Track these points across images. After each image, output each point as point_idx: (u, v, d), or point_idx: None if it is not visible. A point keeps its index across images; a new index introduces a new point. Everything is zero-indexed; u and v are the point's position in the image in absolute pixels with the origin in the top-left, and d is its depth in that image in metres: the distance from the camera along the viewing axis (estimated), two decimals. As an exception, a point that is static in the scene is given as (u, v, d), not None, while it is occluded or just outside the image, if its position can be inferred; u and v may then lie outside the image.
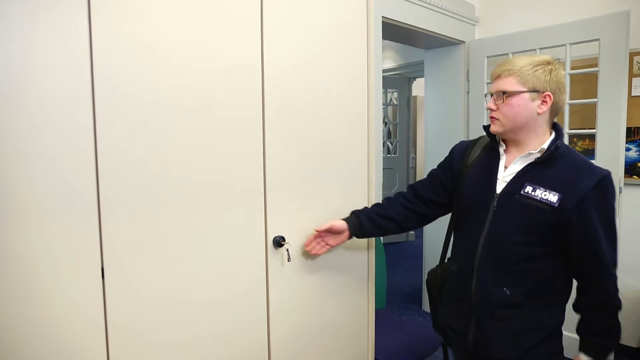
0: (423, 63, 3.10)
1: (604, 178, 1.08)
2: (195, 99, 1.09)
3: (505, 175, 1.19)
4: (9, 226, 0.87)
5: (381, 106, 2.37)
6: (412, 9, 2.41)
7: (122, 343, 1.02)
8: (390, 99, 5.09)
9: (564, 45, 2.34)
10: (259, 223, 1.24)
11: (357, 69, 1.45)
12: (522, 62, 1.13)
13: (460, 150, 1.33)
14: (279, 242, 1.25)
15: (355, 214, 1.37)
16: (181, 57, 1.06)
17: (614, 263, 1.10)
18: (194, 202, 1.11)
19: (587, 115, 2.38)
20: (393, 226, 1.37)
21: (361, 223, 1.35)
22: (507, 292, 1.16)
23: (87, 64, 0.93)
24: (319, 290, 1.41)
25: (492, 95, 1.19)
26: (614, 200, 1.10)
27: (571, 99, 2.37)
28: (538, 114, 1.13)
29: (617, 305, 1.11)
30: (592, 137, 2.31)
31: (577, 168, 1.11)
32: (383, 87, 4.80)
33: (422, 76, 3.31)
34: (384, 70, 5.02)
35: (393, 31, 2.48)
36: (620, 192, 2.22)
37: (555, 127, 1.19)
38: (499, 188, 1.18)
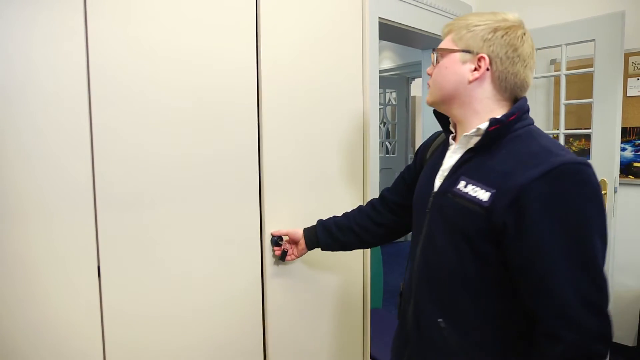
0: (421, 63, 3.11)
1: (562, 166, 0.73)
2: (191, 97, 1.10)
3: (444, 167, 0.94)
4: (9, 225, 0.88)
5: (378, 106, 2.38)
6: (408, 9, 2.42)
7: (118, 341, 1.03)
8: (389, 99, 5.10)
9: (560, 45, 2.36)
10: (254, 222, 1.25)
11: (352, 69, 1.47)
12: (472, 18, 0.90)
13: (425, 144, 1.13)
14: (276, 241, 1.26)
15: (317, 222, 1.25)
16: (179, 55, 1.07)
17: (583, 299, 0.72)
18: (191, 201, 1.12)
19: (583, 115, 2.39)
20: (352, 240, 1.22)
21: (317, 234, 1.22)
22: (442, 324, 0.89)
23: (83, 63, 0.95)
24: (314, 289, 1.42)
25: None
26: (585, 199, 0.73)
27: (567, 99, 2.39)
28: (469, 81, 0.88)
29: None
30: (587, 137, 2.32)
31: (527, 154, 0.79)
32: (382, 88, 4.82)
33: (420, 76, 3.32)
34: (383, 71, 5.04)
35: (390, 32, 2.50)
36: (615, 192, 2.23)
37: (517, 104, 0.88)
38: (437, 184, 0.94)
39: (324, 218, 1.27)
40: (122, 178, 1.01)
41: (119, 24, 0.99)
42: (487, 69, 0.87)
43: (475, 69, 0.88)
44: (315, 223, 1.27)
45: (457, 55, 0.89)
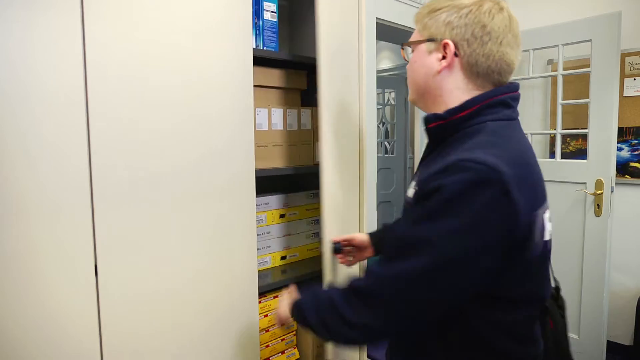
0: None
1: (455, 162, 0.69)
2: (184, 98, 1.11)
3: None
4: (9, 225, 0.89)
5: (375, 106, 2.38)
6: (404, 10, 2.43)
7: (115, 339, 1.04)
8: (388, 99, 5.11)
9: (557, 46, 2.37)
10: (249, 220, 1.26)
11: (350, 69, 1.47)
12: (436, 2, 0.82)
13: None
14: (338, 248, 1.30)
15: (383, 226, 1.22)
16: (168, 62, 1.08)
17: (394, 271, 0.72)
18: (185, 200, 1.13)
19: (580, 115, 2.40)
20: None
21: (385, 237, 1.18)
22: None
23: (80, 65, 0.96)
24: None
25: None
26: (460, 198, 0.67)
27: (564, 99, 2.39)
28: (438, 72, 0.80)
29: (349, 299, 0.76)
30: (584, 137, 2.33)
31: (457, 152, 0.73)
32: (380, 88, 4.83)
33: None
34: (381, 71, 5.05)
35: (387, 32, 2.50)
36: (612, 191, 2.24)
37: (474, 97, 0.79)
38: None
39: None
40: (118, 178, 1.02)
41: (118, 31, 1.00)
42: (455, 55, 0.79)
43: (443, 57, 0.80)
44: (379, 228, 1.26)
45: (424, 46, 0.82)
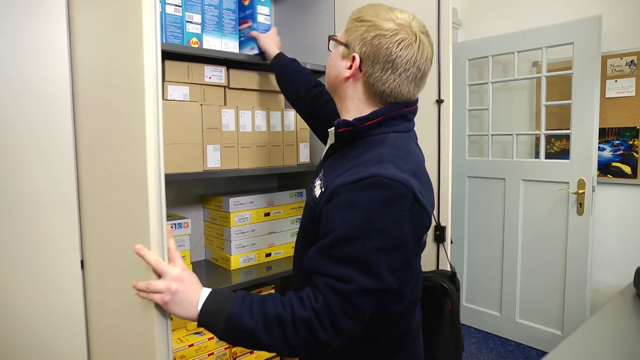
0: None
1: (370, 177, 0.74)
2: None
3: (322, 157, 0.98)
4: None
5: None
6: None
7: (101, 335, 1.10)
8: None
9: (541, 48, 2.42)
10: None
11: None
12: (367, 12, 0.85)
13: None
14: None
15: (291, 60, 1.43)
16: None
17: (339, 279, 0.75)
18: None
19: (564, 116, 2.45)
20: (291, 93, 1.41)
21: (278, 64, 1.42)
22: None
23: (67, 74, 1.02)
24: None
25: None
26: (377, 210, 0.74)
27: (549, 100, 2.45)
28: (344, 78, 0.86)
29: (289, 332, 0.75)
30: (568, 137, 2.38)
31: (362, 161, 0.80)
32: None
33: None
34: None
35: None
36: (593, 190, 2.29)
37: (380, 110, 0.85)
38: None
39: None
40: (103, 178, 1.08)
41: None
42: (360, 70, 0.84)
43: (349, 67, 0.85)
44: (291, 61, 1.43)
45: (340, 48, 0.87)
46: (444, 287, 1.04)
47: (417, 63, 0.82)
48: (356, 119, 0.85)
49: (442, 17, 1.44)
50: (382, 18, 0.82)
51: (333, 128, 0.88)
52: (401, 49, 0.81)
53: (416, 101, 0.90)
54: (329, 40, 0.92)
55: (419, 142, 0.96)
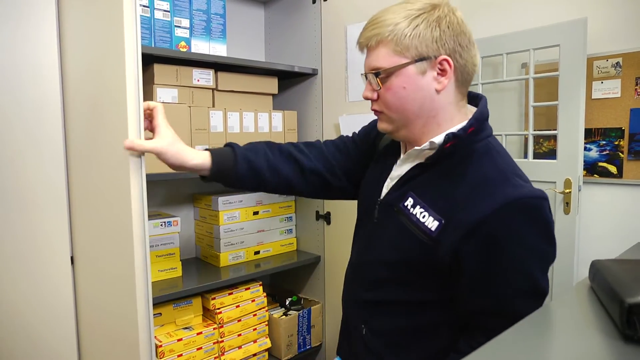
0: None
1: (518, 201, 0.69)
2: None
3: (393, 175, 0.85)
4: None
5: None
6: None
7: (91, 328, 1.14)
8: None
9: (528, 50, 2.46)
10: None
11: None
12: (395, 16, 0.74)
13: (376, 128, 0.90)
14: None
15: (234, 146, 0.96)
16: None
17: (520, 316, 0.65)
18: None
19: (552, 117, 2.48)
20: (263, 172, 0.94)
21: (227, 155, 0.92)
22: (364, 330, 0.86)
23: (56, 74, 1.06)
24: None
25: (366, 77, 0.80)
26: (537, 236, 0.71)
27: (538, 101, 2.48)
28: (437, 91, 0.76)
29: None
30: (556, 137, 2.42)
31: (483, 180, 0.72)
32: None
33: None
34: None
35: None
36: (579, 190, 2.33)
37: (476, 103, 0.81)
38: (384, 192, 0.85)
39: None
40: (93, 175, 1.12)
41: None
42: (454, 70, 0.76)
43: (439, 75, 0.75)
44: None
45: (411, 67, 0.75)
46: None
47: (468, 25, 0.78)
48: (461, 129, 0.76)
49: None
50: (424, 9, 0.75)
51: (424, 146, 0.78)
52: (462, 20, 0.77)
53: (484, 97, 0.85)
54: (374, 76, 0.77)
55: None
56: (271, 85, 1.72)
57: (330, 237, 1.78)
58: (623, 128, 2.33)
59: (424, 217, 0.75)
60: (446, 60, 0.75)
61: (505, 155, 0.78)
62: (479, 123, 0.76)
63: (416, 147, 0.80)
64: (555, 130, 2.40)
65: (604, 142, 2.41)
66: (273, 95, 1.76)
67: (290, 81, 1.89)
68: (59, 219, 1.08)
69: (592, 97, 2.42)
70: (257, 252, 1.76)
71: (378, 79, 0.77)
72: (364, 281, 0.88)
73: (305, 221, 1.89)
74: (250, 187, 0.96)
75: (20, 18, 1.01)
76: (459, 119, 0.79)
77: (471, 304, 0.76)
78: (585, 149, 2.45)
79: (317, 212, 1.82)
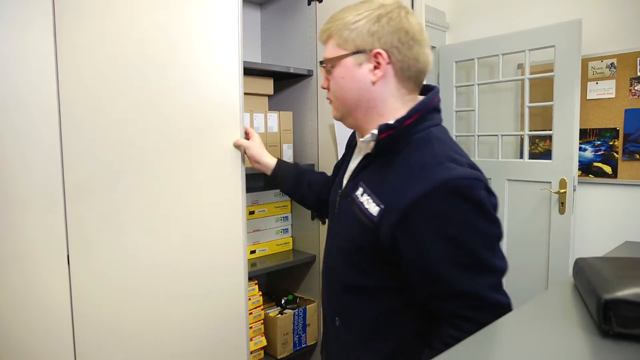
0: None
1: (448, 182, 0.71)
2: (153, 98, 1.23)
3: (350, 167, 0.92)
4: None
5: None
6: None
7: (87, 327, 1.16)
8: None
9: (524, 51, 2.47)
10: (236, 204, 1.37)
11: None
12: (346, 14, 0.82)
13: (350, 136, 1.03)
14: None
15: (296, 167, 1.27)
16: (136, 58, 1.20)
17: (488, 287, 0.76)
18: (151, 192, 1.24)
19: (547, 117, 2.50)
20: (309, 200, 1.24)
21: (286, 176, 1.24)
22: (337, 322, 0.90)
23: (52, 75, 1.08)
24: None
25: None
26: (470, 216, 0.73)
27: (534, 102, 2.50)
28: (373, 83, 0.81)
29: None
30: (552, 138, 2.43)
31: (417, 166, 0.75)
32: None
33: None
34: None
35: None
36: (574, 190, 2.34)
37: (417, 105, 0.82)
38: (344, 184, 0.92)
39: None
40: (87, 171, 1.14)
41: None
42: (388, 63, 0.81)
43: (375, 67, 0.81)
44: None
45: (349, 59, 0.82)
46: None
47: (423, 28, 0.82)
48: (396, 121, 0.79)
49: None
50: (371, 8, 0.80)
51: (366, 137, 0.83)
52: (409, 20, 0.80)
53: (438, 90, 0.88)
54: (323, 67, 0.87)
55: None
56: (267, 86, 1.73)
57: (325, 236, 1.79)
58: (618, 128, 2.35)
59: (368, 203, 0.80)
60: (380, 53, 0.80)
61: (446, 142, 0.80)
62: (421, 114, 0.80)
63: (361, 139, 0.85)
64: (551, 130, 2.42)
65: (599, 143, 2.42)
66: (269, 96, 1.78)
67: (285, 82, 1.91)
68: (54, 218, 1.10)
69: (587, 98, 2.43)
70: (253, 252, 1.78)
71: (324, 70, 0.86)
72: (332, 272, 0.92)
73: (300, 221, 1.90)
74: (290, 193, 1.29)
75: (14, 19, 1.03)
76: (402, 111, 0.82)
77: (420, 288, 0.78)
78: (580, 149, 2.47)
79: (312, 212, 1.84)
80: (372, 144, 0.83)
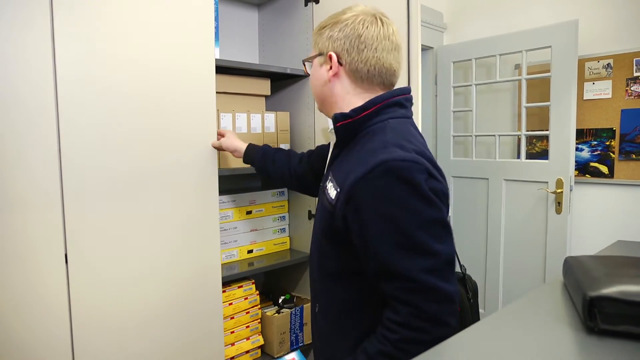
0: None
1: (383, 163, 0.76)
2: (148, 106, 1.24)
3: (328, 160, 1.01)
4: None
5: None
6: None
7: (84, 325, 1.17)
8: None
9: (521, 51, 2.48)
10: (212, 211, 1.39)
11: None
12: (325, 21, 0.95)
13: None
14: None
15: (263, 147, 1.42)
16: (133, 64, 1.21)
17: (425, 271, 0.75)
18: (149, 196, 1.26)
19: (544, 118, 2.51)
20: (279, 175, 1.36)
21: (255, 156, 1.39)
22: (317, 308, 0.96)
23: (50, 77, 1.09)
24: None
25: None
26: (404, 195, 0.75)
27: (531, 102, 2.51)
28: (328, 80, 0.92)
29: (396, 339, 0.76)
30: (548, 138, 2.44)
31: (367, 151, 0.81)
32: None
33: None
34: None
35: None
36: (571, 190, 2.35)
37: (373, 98, 0.88)
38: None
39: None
40: (85, 174, 1.15)
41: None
42: (340, 65, 0.90)
43: (330, 68, 0.91)
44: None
45: (316, 60, 0.95)
46: None
47: (386, 36, 0.89)
48: (352, 110, 0.87)
49: (411, 14, 1.43)
50: (339, 15, 0.92)
51: (330, 126, 0.92)
52: (366, 28, 0.88)
53: (409, 90, 0.94)
54: (304, 65, 1.00)
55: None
56: (264, 86, 1.75)
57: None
58: (614, 128, 2.36)
59: (330, 190, 0.88)
60: (331, 56, 0.91)
61: (400, 132, 0.85)
62: (378, 106, 0.87)
63: (329, 130, 0.96)
64: (548, 130, 2.43)
65: (596, 143, 2.43)
66: (266, 96, 1.79)
67: (282, 83, 1.92)
68: (52, 217, 1.11)
69: (584, 98, 2.44)
70: (250, 251, 1.79)
71: (307, 67, 1.01)
72: (312, 260, 0.99)
73: (297, 220, 1.91)
74: (260, 170, 1.41)
75: (13, 19, 1.04)
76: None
77: (367, 268, 0.81)
78: (577, 149, 2.48)
79: (310, 211, 1.84)
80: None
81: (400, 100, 0.90)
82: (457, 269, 1.06)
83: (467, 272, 1.13)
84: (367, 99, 0.89)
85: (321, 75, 0.94)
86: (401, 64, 0.94)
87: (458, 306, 0.80)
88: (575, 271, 0.72)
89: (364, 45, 0.88)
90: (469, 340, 0.62)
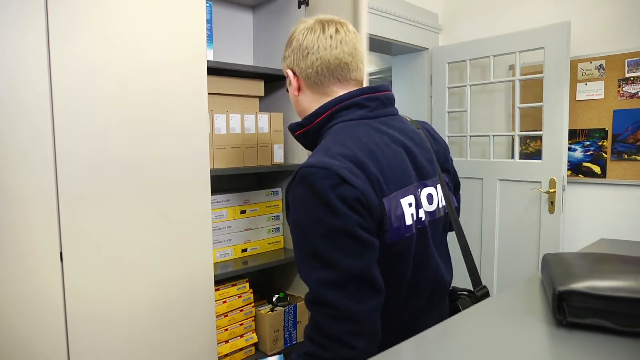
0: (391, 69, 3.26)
1: (298, 171, 0.78)
2: (142, 108, 1.27)
3: None
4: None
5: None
6: (379, 21, 2.56)
7: (79, 321, 1.19)
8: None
9: (514, 52, 2.51)
10: (204, 210, 1.41)
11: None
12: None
13: None
14: None
15: None
16: (125, 70, 1.24)
17: (320, 280, 0.74)
18: (142, 196, 1.28)
19: (538, 118, 2.53)
20: None
21: None
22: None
23: (46, 77, 1.12)
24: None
25: None
26: (314, 204, 0.74)
27: (525, 102, 2.53)
28: (296, 96, 0.96)
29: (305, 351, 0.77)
30: (542, 138, 2.47)
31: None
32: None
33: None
34: (369, 74, 5.19)
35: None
36: (563, 190, 2.37)
37: (325, 104, 0.89)
38: None
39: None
40: (80, 174, 1.17)
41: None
42: (297, 78, 0.94)
43: (291, 84, 0.96)
44: None
45: (287, 82, 0.99)
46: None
47: (327, 35, 0.89)
48: (305, 118, 0.90)
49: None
50: (290, 35, 0.95)
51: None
52: (305, 35, 0.91)
53: (374, 89, 0.90)
54: (287, 90, 1.01)
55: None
56: (257, 88, 1.77)
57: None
58: (606, 129, 2.38)
59: None
60: (287, 73, 0.95)
61: (341, 135, 0.83)
62: (331, 111, 0.88)
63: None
64: (541, 131, 2.45)
65: (588, 143, 2.46)
66: (260, 97, 1.81)
67: (276, 84, 1.94)
68: (48, 215, 1.13)
69: (577, 99, 2.47)
70: (244, 250, 1.81)
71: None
72: None
73: (292, 220, 1.93)
74: None
75: (6, 19, 1.07)
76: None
77: None
78: (569, 149, 2.50)
79: (303, 211, 1.87)
80: None
81: (359, 101, 0.88)
82: (469, 285, 1.13)
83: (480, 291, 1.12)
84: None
85: (292, 93, 0.98)
86: (358, 57, 0.92)
87: (371, 328, 0.74)
88: (550, 267, 0.74)
89: (307, 51, 0.90)
90: (441, 332, 0.65)
